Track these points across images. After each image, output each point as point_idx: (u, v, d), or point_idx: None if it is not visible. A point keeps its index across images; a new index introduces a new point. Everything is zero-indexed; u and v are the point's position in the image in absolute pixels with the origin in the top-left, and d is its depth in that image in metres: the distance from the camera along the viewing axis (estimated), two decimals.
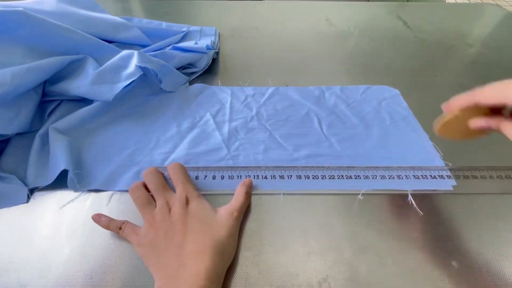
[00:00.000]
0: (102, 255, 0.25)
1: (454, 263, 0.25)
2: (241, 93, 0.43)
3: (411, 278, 0.24)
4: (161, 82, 0.41)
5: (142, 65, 0.38)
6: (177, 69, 0.45)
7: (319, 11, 0.70)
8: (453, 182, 0.31)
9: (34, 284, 0.23)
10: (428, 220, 0.28)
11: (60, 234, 0.27)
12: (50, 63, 0.36)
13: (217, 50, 0.52)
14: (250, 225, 0.28)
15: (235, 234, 0.26)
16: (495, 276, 0.25)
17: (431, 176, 0.32)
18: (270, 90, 0.43)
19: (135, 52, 0.39)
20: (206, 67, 0.48)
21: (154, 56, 0.43)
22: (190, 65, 0.47)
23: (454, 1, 1.90)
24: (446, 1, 1.28)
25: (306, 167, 0.32)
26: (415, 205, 0.29)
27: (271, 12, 0.70)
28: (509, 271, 0.25)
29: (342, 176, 0.32)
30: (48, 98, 0.38)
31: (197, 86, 0.43)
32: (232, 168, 0.32)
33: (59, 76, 0.38)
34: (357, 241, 0.27)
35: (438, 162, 0.33)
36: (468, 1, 2.10)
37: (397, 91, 0.44)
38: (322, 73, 0.49)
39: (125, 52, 0.40)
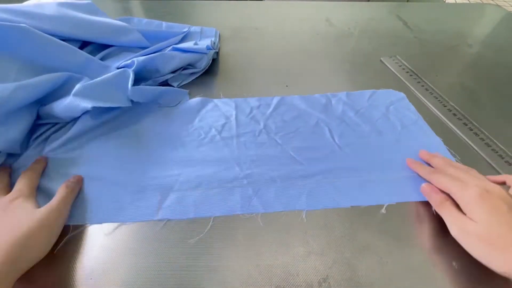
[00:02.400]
0: (102, 255, 0.25)
1: (454, 263, 0.25)
2: (246, 104, 0.41)
3: (411, 278, 0.24)
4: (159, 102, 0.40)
5: (134, 99, 0.37)
6: (177, 70, 0.45)
7: (319, 11, 0.70)
8: None
9: (34, 284, 0.23)
10: (428, 221, 0.28)
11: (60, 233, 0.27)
12: (42, 81, 0.34)
13: (217, 51, 0.52)
14: (249, 225, 0.28)
15: (45, 230, 0.24)
16: (495, 276, 0.24)
17: None
18: (275, 100, 0.42)
19: (129, 82, 0.37)
20: (206, 68, 0.48)
21: (153, 58, 0.42)
22: (190, 65, 0.47)
23: (454, 1, 1.90)
24: (446, 1, 1.28)
25: (323, 182, 0.31)
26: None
27: (271, 12, 0.70)
28: None
29: (362, 189, 0.30)
30: (41, 121, 0.36)
31: (198, 100, 0.41)
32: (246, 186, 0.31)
33: (52, 98, 0.36)
34: (357, 241, 0.27)
35: None
36: (468, 1, 2.10)
37: (402, 94, 0.43)
38: (322, 73, 0.49)
39: (120, 73, 0.38)
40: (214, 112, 0.40)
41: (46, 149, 0.33)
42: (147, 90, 0.39)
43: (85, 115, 0.36)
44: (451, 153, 0.34)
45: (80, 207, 0.28)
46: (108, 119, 0.37)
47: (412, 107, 0.41)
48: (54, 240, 0.25)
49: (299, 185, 0.31)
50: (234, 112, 0.40)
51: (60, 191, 0.27)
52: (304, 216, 0.28)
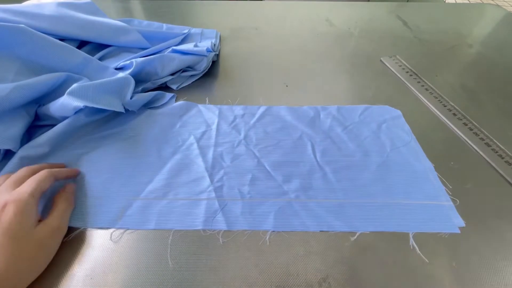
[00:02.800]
0: (102, 255, 0.25)
1: (454, 263, 0.25)
2: (230, 112, 0.40)
3: (411, 278, 0.24)
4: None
5: (130, 109, 0.37)
6: (176, 72, 0.45)
7: (319, 11, 0.70)
8: (461, 222, 0.28)
9: (34, 284, 0.23)
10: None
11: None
12: (40, 81, 0.34)
13: (217, 53, 0.52)
14: None
15: (42, 251, 0.23)
16: (495, 276, 0.25)
17: (435, 215, 0.28)
18: (261, 109, 0.40)
19: (129, 91, 0.37)
20: (206, 70, 0.47)
21: (152, 60, 0.42)
22: (190, 67, 0.46)
23: (454, 1, 1.90)
24: (446, 1, 1.28)
25: (295, 202, 0.29)
26: (418, 251, 0.26)
27: (271, 12, 0.70)
28: (508, 271, 0.25)
29: (335, 214, 0.28)
30: (40, 122, 0.36)
31: (182, 104, 0.40)
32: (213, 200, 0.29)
33: (51, 99, 0.36)
34: (357, 241, 0.27)
35: (445, 198, 0.30)
36: (468, 1, 2.10)
37: (399, 112, 0.40)
38: (322, 73, 0.49)
39: (122, 80, 0.38)
40: (197, 118, 0.39)
41: (25, 146, 0.32)
42: (143, 98, 0.39)
43: (72, 117, 0.35)
44: (442, 180, 0.31)
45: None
46: (91, 120, 0.36)
47: (407, 127, 0.38)
48: (50, 258, 0.24)
49: (268, 203, 0.29)
50: (216, 120, 0.38)
51: (59, 206, 0.26)
52: (267, 238, 0.27)
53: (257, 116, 0.39)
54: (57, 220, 0.25)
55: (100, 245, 0.26)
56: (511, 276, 0.24)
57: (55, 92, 0.37)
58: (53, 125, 0.35)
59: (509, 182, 0.32)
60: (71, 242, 0.26)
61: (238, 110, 0.40)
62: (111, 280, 0.24)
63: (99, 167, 0.32)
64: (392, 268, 0.25)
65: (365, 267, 0.25)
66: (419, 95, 0.44)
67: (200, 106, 0.41)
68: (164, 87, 0.44)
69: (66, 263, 0.25)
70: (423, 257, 0.26)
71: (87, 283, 0.23)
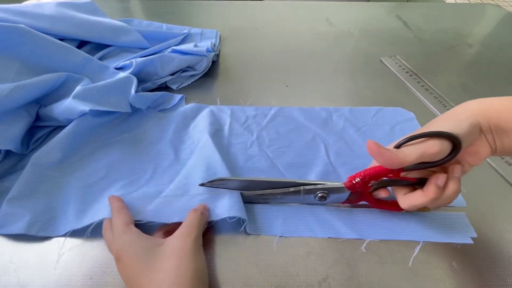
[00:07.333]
0: (102, 255, 0.25)
1: (454, 263, 0.25)
2: (242, 113, 0.39)
3: (411, 278, 0.24)
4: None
5: (136, 106, 0.37)
6: (176, 72, 0.45)
7: (319, 11, 0.70)
8: (473, 233, 0.27)
9: (34, 284, 0.23)
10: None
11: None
12: (40, 81, 0.34)
13: (217, 53, 0.52)
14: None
15: (196, 257, 0.22)
16: (495, 276, 0.24)
17: (448, 225, 0.27)
18: (273, 110, 0.40)
19: (133, 88, 0.37)
20: (206, 70, 0.47)
21: (152, 60, 0.42)
22: (190, 67, 0.46)
23: (454, 1, 1.90)
24: (446, 1, 1.28)
25: (305, 206, 0.29)
26: (417, 251, 0.26)
27: (271, 12, 0.70)
28: (508, 271, 0.25)
29: (346, 220, 0.28)
30: (42, 123, 0.36)
31: (193, 106, 0.40)
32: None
33: (52, 99, 0.36)
34: (357, 241, 0.27)
35: (458, 202, 0.29)
36: (468, 1, 2.10)
37: (411, 114, 0.40)
38: (322, 73, 0.49)
39: (124, 78, 0.38)
40: (209, 119, 0.38)
41: (36, 153, 0.31)
42: (148, 96, 0.39)
43: (79, 118, 0.35)
44: None
45: (64, 214, 0.27)
46: (101, 123, 0.36)
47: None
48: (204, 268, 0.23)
49: (277, 207, 0.29)
50: (228, 120, 0.38)
51: (191, 215, 0.25)
52: (275, 244, 0.26)
53: (269, 116, 0.39)
54: (192, 231, 0.24)
55: (98, 244, 0.26)
56: (511, 276, 0.24)
57: (55, 92, 0.37)
58: (53, 126, 0.35)
59: (509, 183, 0.32)
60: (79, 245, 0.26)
61: (250, 110, 0.40)
62: (111, 281, 0.24)
63: (118, 172, 0.31)
64: (392, 268, 0.25)
65: (365, 267, 0.25)
66: (419, 95, 0.44)
67: (212, 107, 0.40)
68: (164, 87, 0.44)
69: (69, 265, 0.25)
70: (423, 257, 0.26)
71: (87, 282, 0.23)
